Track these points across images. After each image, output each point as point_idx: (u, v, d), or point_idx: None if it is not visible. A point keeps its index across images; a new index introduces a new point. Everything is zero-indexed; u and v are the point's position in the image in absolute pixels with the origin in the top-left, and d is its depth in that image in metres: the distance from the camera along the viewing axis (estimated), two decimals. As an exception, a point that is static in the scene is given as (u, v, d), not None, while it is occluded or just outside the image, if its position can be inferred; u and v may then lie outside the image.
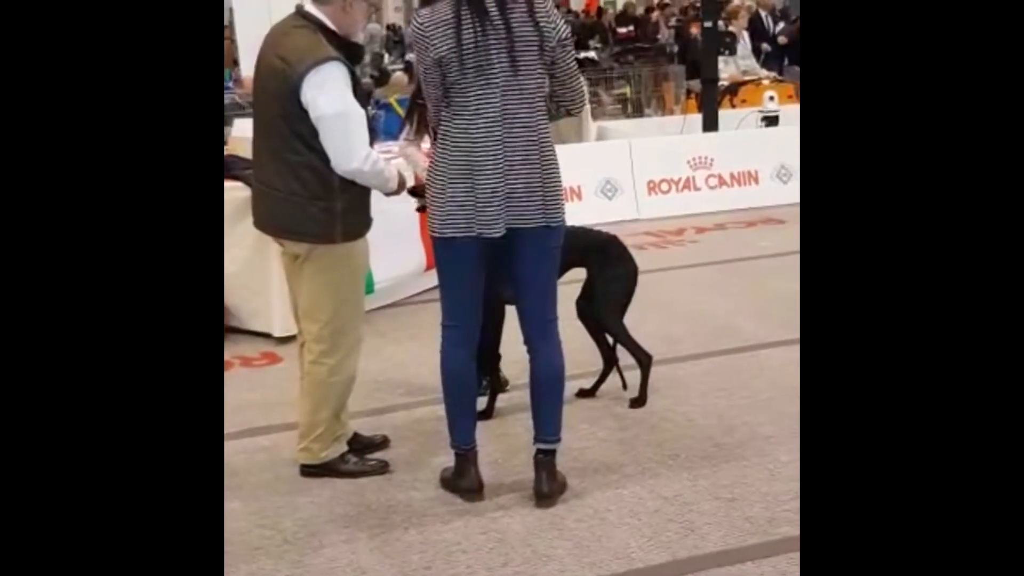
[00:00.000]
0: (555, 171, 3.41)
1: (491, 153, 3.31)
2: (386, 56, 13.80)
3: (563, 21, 3.45)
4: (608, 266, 4.41)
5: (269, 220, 3.70)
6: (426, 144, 4.38)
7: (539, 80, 3.37)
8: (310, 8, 3.55)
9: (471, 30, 3.26)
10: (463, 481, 3.60)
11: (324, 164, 3.49)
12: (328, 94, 3.40)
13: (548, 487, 3.55)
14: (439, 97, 3.36)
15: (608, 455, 3.94)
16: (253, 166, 3.75)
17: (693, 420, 4.24)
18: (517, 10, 3.31)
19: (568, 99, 3.49)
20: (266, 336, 5.53)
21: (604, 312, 4.42)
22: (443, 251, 3.45)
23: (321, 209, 3.53)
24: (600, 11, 16.92)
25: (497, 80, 3.29)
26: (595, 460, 3.89)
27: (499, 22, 3.28)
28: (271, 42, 3.60)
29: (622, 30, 16.74)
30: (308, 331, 3.73)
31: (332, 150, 3.46)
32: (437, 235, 3.42)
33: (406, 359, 5.12)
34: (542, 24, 3.33)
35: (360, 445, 3.97)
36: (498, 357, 4.41)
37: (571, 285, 4.35)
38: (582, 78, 3.49)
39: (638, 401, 4.43)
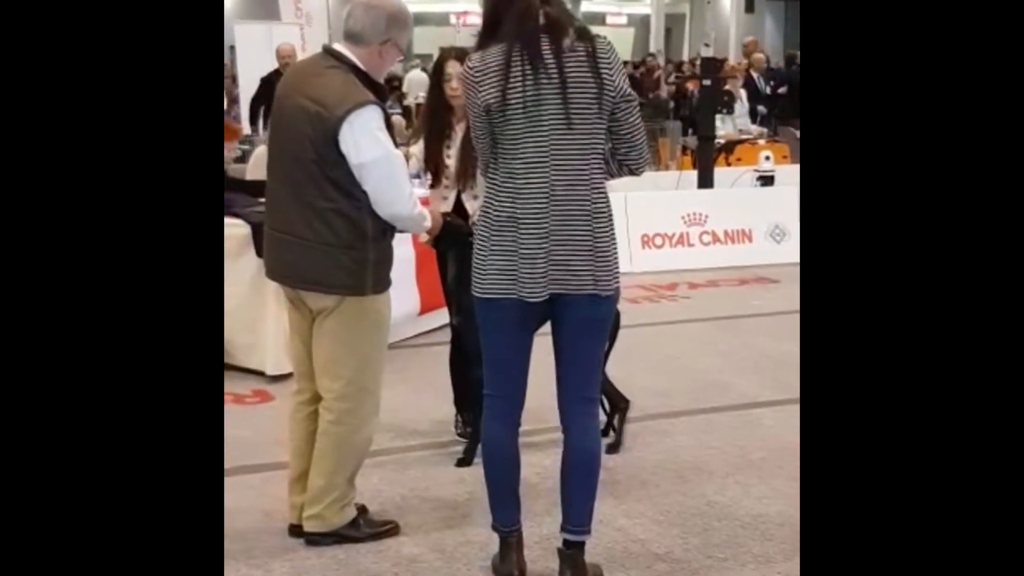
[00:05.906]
0: (608, 236, 3.11)
1: (536, 210, 3.05)
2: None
3: (625, 76, 3.15)
4: None
5: (292, 270, 3.46)
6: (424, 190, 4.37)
7: (596, 136, 3.08)
8: (341, 48, 3.39)
9: (520, 78, 3.02)
10: (503, 567, 3.31)
11: (357, 211, 3.33)
12: (369, 139, 3.26)
13: None
14: (488, 147, 3.14)
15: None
16: (268, 213, 3.56)
17: (684, 476, 4.24)
18: (575, 59, 3.04)
19: (631, 159, 3.18)
20: (259, 374, 5.52)
21: None
22: (483, 312, 3.19)
23: (353, 259, 3.35)
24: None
25: (548, 133, 3.03)
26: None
27: (554, 71, 3.02)
28: (298, 82, 3.40)
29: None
30: (329, 389, 3.48)
31: (378, 195, 3.31)
32: (477, 295, 3.17)
33: (396, 403, 5.10)
34: (604, 76, 3.05)
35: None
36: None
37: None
38: (646, 137, 3.22)
39: (614, 447, 4.45)
